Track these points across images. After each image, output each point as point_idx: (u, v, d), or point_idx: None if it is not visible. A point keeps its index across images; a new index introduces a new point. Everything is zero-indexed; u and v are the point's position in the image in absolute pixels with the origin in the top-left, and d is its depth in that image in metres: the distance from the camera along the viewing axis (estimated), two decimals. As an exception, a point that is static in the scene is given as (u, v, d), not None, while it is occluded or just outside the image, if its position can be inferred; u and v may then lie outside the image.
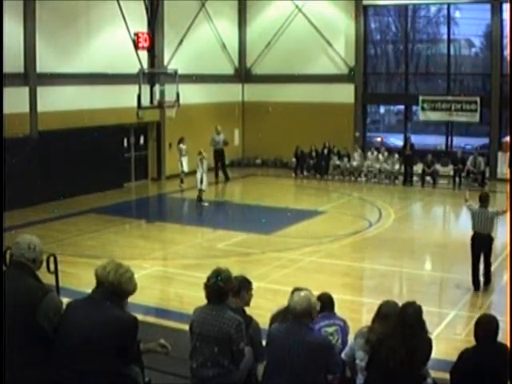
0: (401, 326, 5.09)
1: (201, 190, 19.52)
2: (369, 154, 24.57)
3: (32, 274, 4.38)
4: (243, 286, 5.89)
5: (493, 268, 12.66)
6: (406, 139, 24.20)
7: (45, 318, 4.17)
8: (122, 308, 4.30)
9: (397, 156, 23.88)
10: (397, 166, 23.79)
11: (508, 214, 12.66)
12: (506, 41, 22.55)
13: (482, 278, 11.78)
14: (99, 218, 17.70)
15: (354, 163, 24.41)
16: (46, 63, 18.92)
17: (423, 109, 24.54)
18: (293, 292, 5.57)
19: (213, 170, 23.87)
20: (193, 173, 20.31)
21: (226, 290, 5.39)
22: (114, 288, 4.21)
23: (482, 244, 11.67)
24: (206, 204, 19.50)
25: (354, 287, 12.32)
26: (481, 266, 11.80)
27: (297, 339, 5.06)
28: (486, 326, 5.26)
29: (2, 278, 4.33)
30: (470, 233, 12.71)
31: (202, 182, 19.41)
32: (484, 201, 11.76)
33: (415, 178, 23.44)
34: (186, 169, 21.58)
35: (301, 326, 5.09)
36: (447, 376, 5.36)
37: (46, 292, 4.29)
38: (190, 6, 24.44)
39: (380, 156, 24.24)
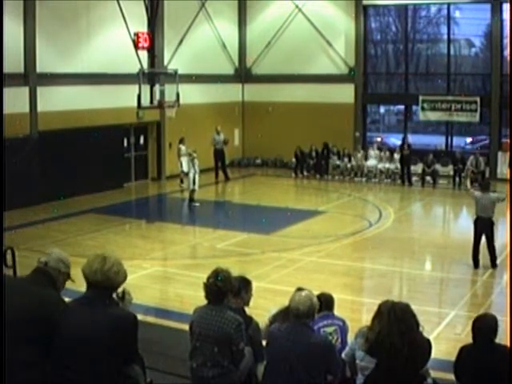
0: (395, 323, 5.06)
1: (193, 191, 19.49)
2: (371, 152, 24.56)
3: (52, 283, 4.46)
4: (243, 286, 5.88)
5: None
6: (404, 138, 24.21)
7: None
8: (118, 305, 4.30)
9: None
10: (398, 165, 23.76)
11: (508, 213, 12.73)
12: (506, 41, 22.54)
13: (480, 258, 12.75)
14: (99, 218, 17.69)
15: (358, 162, 24.35)
16: (45, 63, 18.92)
17: (423, 109, 24.53)
18: (295, 292, 5.56)
19: (213, 169, 23.94)
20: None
21: (225, 289, 5.38)
22: (104, 284, 4.19)
23: (483, 226, 12.66)
24: (198, 204, 19.45)
25: (354, 287, 12.31)
26: (481, 248, 12.74)
27: (297, 339, 5.05)
28: (481, 324, 5.26)
29: (2, 278, 4.33)
30: (470, 233, 12.83)
31: (194, 182, 19.39)
32: (485, 187, 13.01)
33: (415, 178, 23.43)
34: (185, 169, 21.55)
35: (301, 326, 5.08)
36: (447, 376, 5.38)
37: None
38: (190, 6, 24.45)
39: (382, 155, 24.25)
